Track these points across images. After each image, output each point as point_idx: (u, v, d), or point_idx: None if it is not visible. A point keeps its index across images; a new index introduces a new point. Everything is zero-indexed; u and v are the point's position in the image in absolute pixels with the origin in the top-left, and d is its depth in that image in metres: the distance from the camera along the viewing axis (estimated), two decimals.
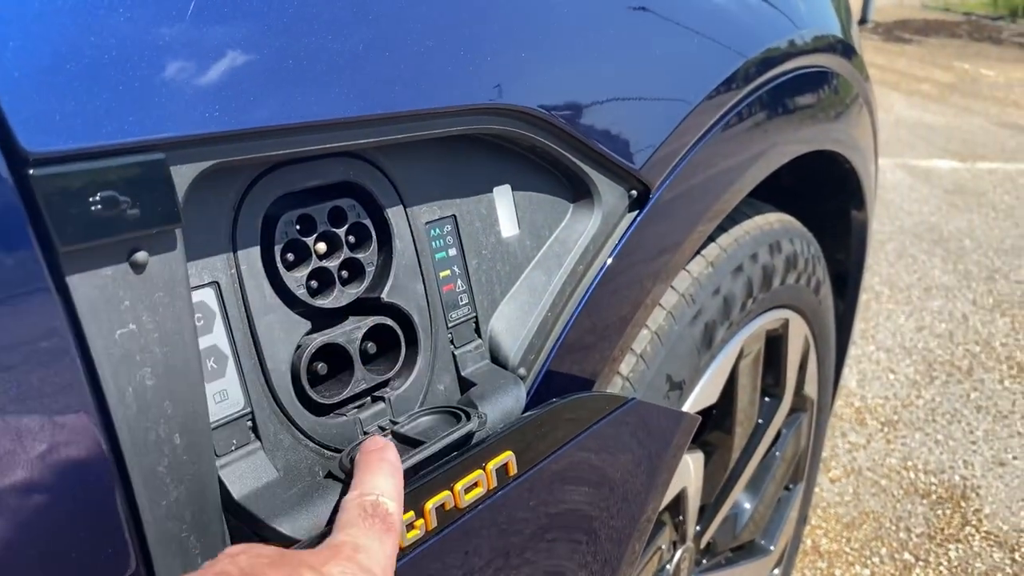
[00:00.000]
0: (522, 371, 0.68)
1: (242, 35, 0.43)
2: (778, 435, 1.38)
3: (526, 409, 0.64)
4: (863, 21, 11.83)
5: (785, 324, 1.23)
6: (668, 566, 1.15)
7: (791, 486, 1.54)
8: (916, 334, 3.00)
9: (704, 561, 1.33)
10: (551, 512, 0.61)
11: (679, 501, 1.12)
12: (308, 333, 0.55)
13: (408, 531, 0.50)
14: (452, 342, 0.64)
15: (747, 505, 1.36)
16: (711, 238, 1.01)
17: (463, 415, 0.58)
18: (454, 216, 0.64)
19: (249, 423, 0.51)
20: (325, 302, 0.55)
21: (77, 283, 0.38)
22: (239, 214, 0.50)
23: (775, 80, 0.94)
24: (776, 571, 1.56)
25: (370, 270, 0.58)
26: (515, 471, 0.57)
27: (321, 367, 0.56)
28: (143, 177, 0.39)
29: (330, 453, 0.56)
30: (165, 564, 0.44)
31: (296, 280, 0.53)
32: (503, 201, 0.68)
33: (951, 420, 2.46)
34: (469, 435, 0.57)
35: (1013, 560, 1.90)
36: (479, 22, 0.57)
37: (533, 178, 0.70)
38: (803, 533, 1.77)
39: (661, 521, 1.12)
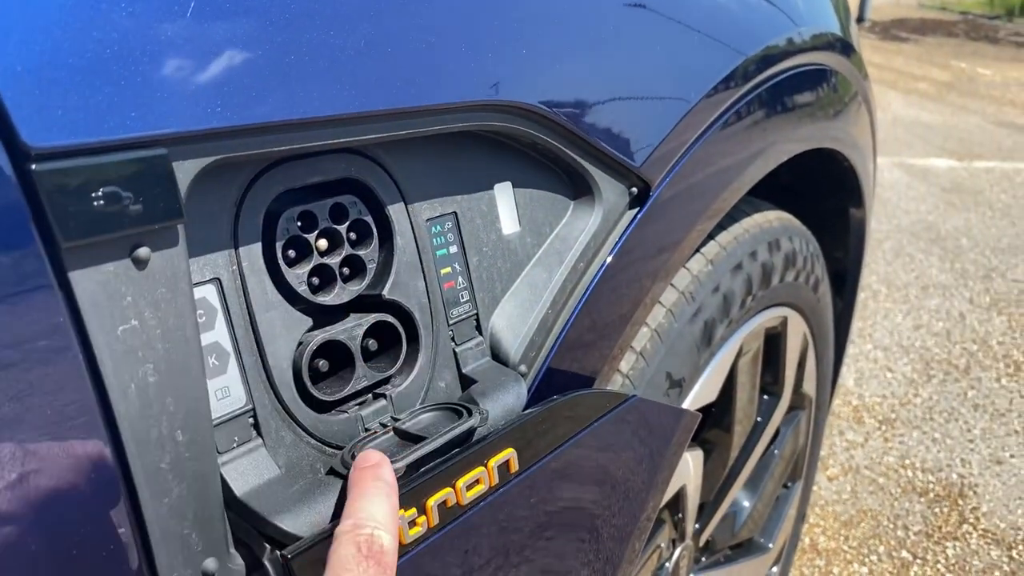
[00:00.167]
0: (523, 368, 0.68)
1: (244, 31, 0.43)
2: (777, 433, 1.39)
3: (527, 406, 0.64)
4: (860, 20, 11.85)
5: (784, 322, 1.23)
6: (667, 564, 1.15)
7: (789, 484, 1.54)
8: (913, 332, 3.00)
9: (703, 559, 1.33)
10: (552, 509, 0.61)
11: (678, 499, 1.12)
12: (309, 330, 0.54)
13: (410, 528, 0.50)
14: (453, 339, 0.64)
15: (746, 503, 1.37)
16: (711, 236, 1.01)
17: (464, 412, 0.58)
18: (455, 213, 0.64)
19: (251, 420, 0.51)
20: (326, 299, 0.55)
21: (79, 279, 0.38)
22: (241, 210, 0.49)
23: (774, 78, 0.94)
24: (774, 569, 1.56)
25: (371, 267, 0.58)
26: (516, 468, 0.57)
27: (322, 364, 0.56)
28: (145, 173, 0.39)
29: (331, 450, 0.56)
30: (167, 561, 0.44)
31: (297, 277, 0.53)
32: (504, 198, 0.68)
33: (949, 418, 2.47)
34: (470, 432, 0.57)
35: (1010, 558, 1.90)
36: (480, 19, 0.57)
37: (534, 175, 0.70)
38: (801, 531, 1.78)
39: (660, 519, 1.12)
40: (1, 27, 0.35)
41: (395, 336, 0.60)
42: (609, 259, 0.73)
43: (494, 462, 0.55)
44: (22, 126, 0.35)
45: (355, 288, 0.57)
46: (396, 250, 0.59)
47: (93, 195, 0.37)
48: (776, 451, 1.39)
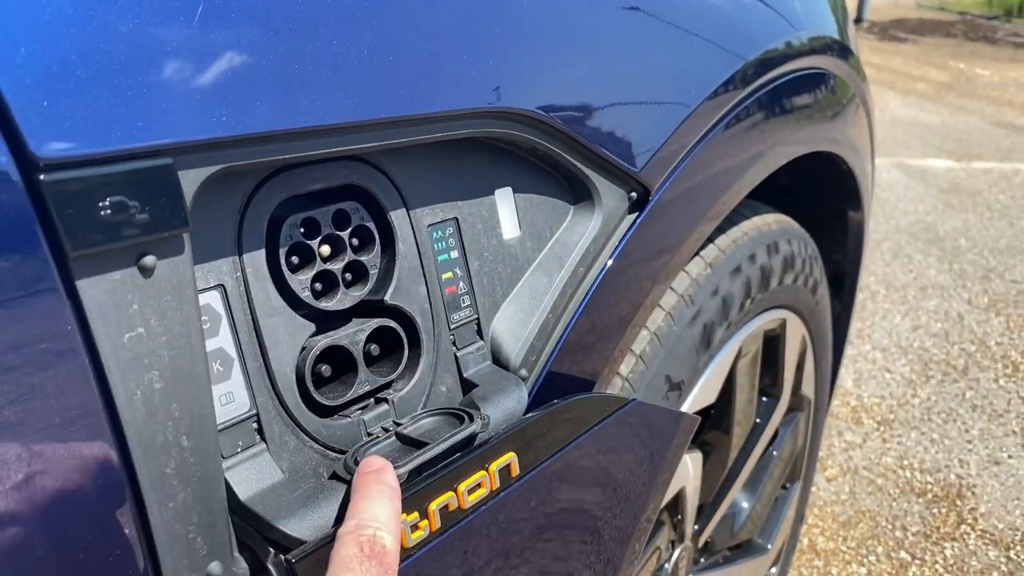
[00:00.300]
0: (523, 372, 0.68)
1: (248, 41, 0.44)
2: (775, 434, 1.39)
3: (528, 410, 0.65)
4: (859, 20, 11.86)
5: (783, 324, 1.23)
6: (667, 565, 1.16)
7: (788, 485, 1.55)
8: (912, 333, 3.01)
9: (702, 560, 1.33)
10: (553, 512, 0.61)
11: (678, 500, 1.12)
12: (312, 335, 0.55)
13: (412, 532, 0.50)
14: (454, 344, 0.65)
15: (745, 504, 1.37)
16: (710, 239, 1.02)
17: (466, 416, 0.59)
18: (456, 219, 0.64)
19: (255, 425, 0.52)
20: (329, 304, 0.56)
21: (86, 287, 0.39)
22: (244, 217, 0.50)
23: (773, 82, 0.94)
24: (773, 570, 1.57)
25: (373, 272, 0.59)
26: (517, 472, 0.57)
27: (325, 369, 0.56)
28: (152, 182, 0.40)
29: (334, 454, 0.56)
30: (172, 565, 0.45)
31: (300, 283, 0.54)
32: (504, 203, 0.68)
33: (947, 419, 2.48)
34: (472, 436, 0.58)
35: (1008, 558, 1.91)
36: (481, 26, 0.58)
37: (534, 180, 0.70)
38: (800, 532, 1.78)
39: (660, 520, 1.12)
40: (9, 39, 0.35)
41: (397, 341, 0.60)
42: (609, 263, 0.74)
43: (495, 466, 0.56)
44: (31, 137, 0.36)
45: (357, 293, 0.58)
46: (398, 256, 0.59)
47: (100, 205, 0.38)
48: (775, 452, 1.40)
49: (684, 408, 0.98)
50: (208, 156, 0.43)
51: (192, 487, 0.45)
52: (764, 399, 1.32)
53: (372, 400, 0.60)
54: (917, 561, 1.92)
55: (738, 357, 1.10)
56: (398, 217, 0.59)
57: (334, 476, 0.55)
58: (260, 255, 0.51)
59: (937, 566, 1.90)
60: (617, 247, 0.74)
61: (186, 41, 0.41)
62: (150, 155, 0.40)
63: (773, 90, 0.95)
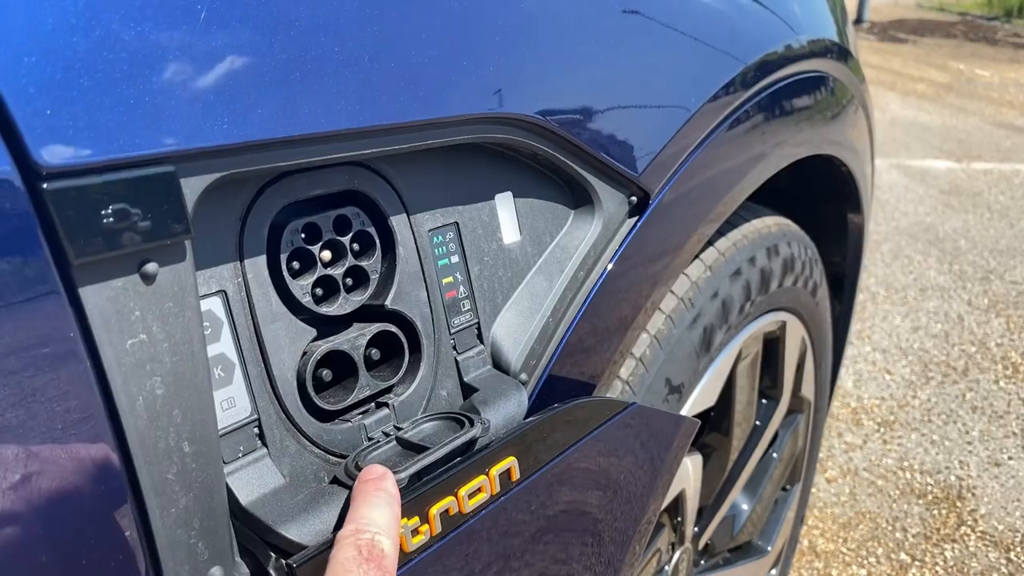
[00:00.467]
0: (524, 376, 0.69)
1: (249, 48, 0.44)
2: (775, 436, 1.39)
3: (528, 414, 0.65)
4: (859, 21, 11.87)
5: (782, 327, 1.24)
6: (667, 567, 1.16)
7: (788, 487, 1.55)
8: (912, 335, 3.01)
9: (702, 562, 1.33)
10: (553, 516, 0.62)
11: (678, 503, 1.12)
12: (313, 340, 0.55)
13: (413, 536, 0.50)
14: (455, 348, 0.65)
15: (745, 506, 1.37)
16: (709, 242, 1.02)
17: (466, 421, 0.59)
18: (456, 223, 0.64)
19: (256, 430, 0.52)
20: (330, 309, 0.56)
21: (89, 294, 0.39)
22: (246, 223, 0.50)
23: (773, 86, 0.94)
24: (773, 571, 1.57)
25: (374, 277, 0.59)
26: (517, 476, 0.58)
27: (326, 374, 0.57)
28: (154, 190, 0.40)
29: (335, 459, 0.56)
30: (174, 570, 0.45)
31: (302, 288, 0.54)
32: (505, 208, 0.68)
33: (947, 420, 2.48)
34: (472, 441, 0.58)
35: (1008, 560, 1.91)
36: (481, 33, 0.58)
37: (534, 185, 0.70)
38: (800, 533, 1.79)
39: (660, 522, 1.12)
40: (12, 48, 0.36)
41: (398, 345, 0.60)
42: (609, 267, 0.74)
43: (496, 471, 0.56)
44: (34, 145, 0.36)
45: (358, 298, 0.58)
46: (398, 260, 0.59)
47: (103, 212, 0.38)
48: (775, 454, 1.40)
49: (684, 411, 0.98)
50: (210, 163, 0.43)
51: (194, 492, 0.45)
52: (764, 401, 1.32)
53: (373, 404, 0.61)
54: (917, 563, 1.92)
55: (738, 360, 1.11)
56: (399, 222, 0.60)
57: (335, 480, 0.55)
58: (261, 261, 0.52)
59: (937, 568, 1.90)
60: (617, 251, 0.75)
61: (188, 49, 0.41)
62: (152, 163, 0.40)
63: (773, 94, 0.95)
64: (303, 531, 0.49)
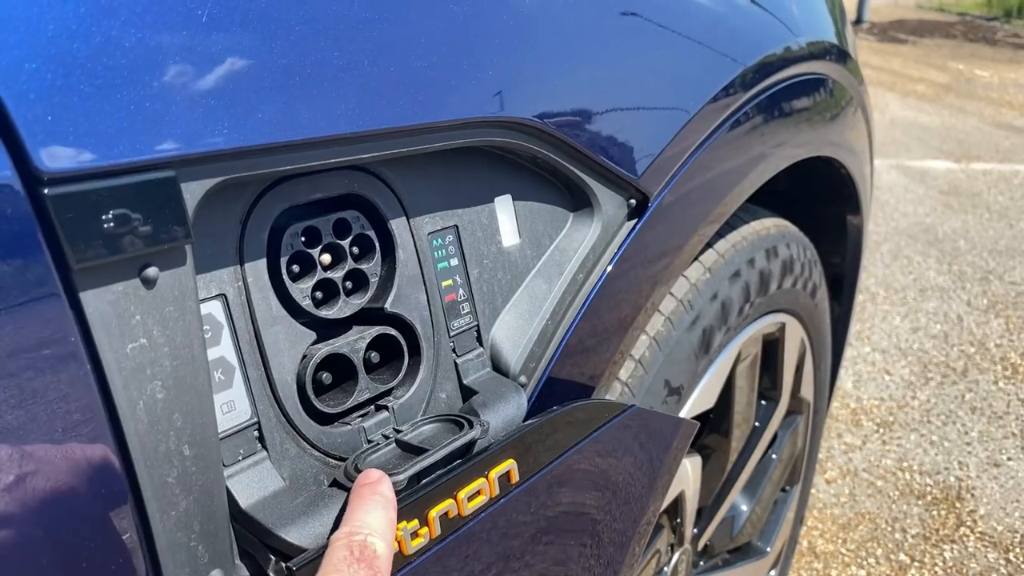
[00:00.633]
0: (523, 379, 0.69)
1: (249, 53, 0.44)
2: (775, 438, 1.40)
3: (527, 416, 0.65)
4: (859, 21, 11.87)
5: (782, 328, 1.24)
6: (666, 568, 1.16)
7: (787, 488, 1.55)
8: (911, 335, 3.02)
9: (701, 563, 1.34)
10: (553, 519, 0.62)
11: (677, 504, 1.13)
12: (313, 343, 0.55)
13: (412, 539, 0.51)
14: (454, 351, 0.65)
15: (744, 507, 1.38)
16: (708, 244, 1.02)
17: (466, 423, 0.59)
18: (456, 226, 0.64)
19: (256, 433, 0.52)
20: (330, 313, 0.56)
21: (90, 299, 0.39)
22: (246, 227, 0.50)
23: (771, 88, 0.95)
24: (773, 572, 1.57)
25: (374, 281, 0.59)
26: (517, 479, 0.58)
27: (326, 377, 0.57)
28: (154, 195, 0.40)
29: (335, 462, 0.56)
30: (174, 573, 0.45)
31: (301, 291, 0.54)
32: (504, 211, 0.69)
33: (946, 421, 2.48)
34: (471, 443, 0.58)
35: (1007, 560, 1.91)
36: (480, 37, 0.58)
37: (534, 188, 0.71)
38: (799, 534, 1.79)
39: (659, 524, 1.13)
40: (13, 54, 0.36)
41: (397, 348, 0.61)
42: (609, 269, 0.74)
43: (495, 473, 0.56)
44: (34, 150, 0.36)
45: (358, 302, 0.58)
46: (398, 264, 0.60)
47: (104, 218, 0.38)
48: (774, 455, 1.40)
49: (683, 412, 0.98)
50: (210, 168, 0.43)
51: (194, 496, 0.45)
52: (763, 402, 1.32)
53: (372, 407, 0.61)
54: (916, 563, 1.93)
55: (737, 361, 1.11)
56: (398, 225, 0.60)
57: (335, 483, 0.55)
58: (261, 264, 0.52)
59: (936, 568, 1.91)
60: (616, 254, 0.75)
61: (188, 54, 0.41)
62: (152, 168, 0.40)
63: (772, 96, 0.95)
64: (303, 534, 0.49)
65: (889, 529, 2.04)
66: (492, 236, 0.68)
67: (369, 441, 0.59)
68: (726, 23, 0.89)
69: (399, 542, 0.50)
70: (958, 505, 2.11)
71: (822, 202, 1.44)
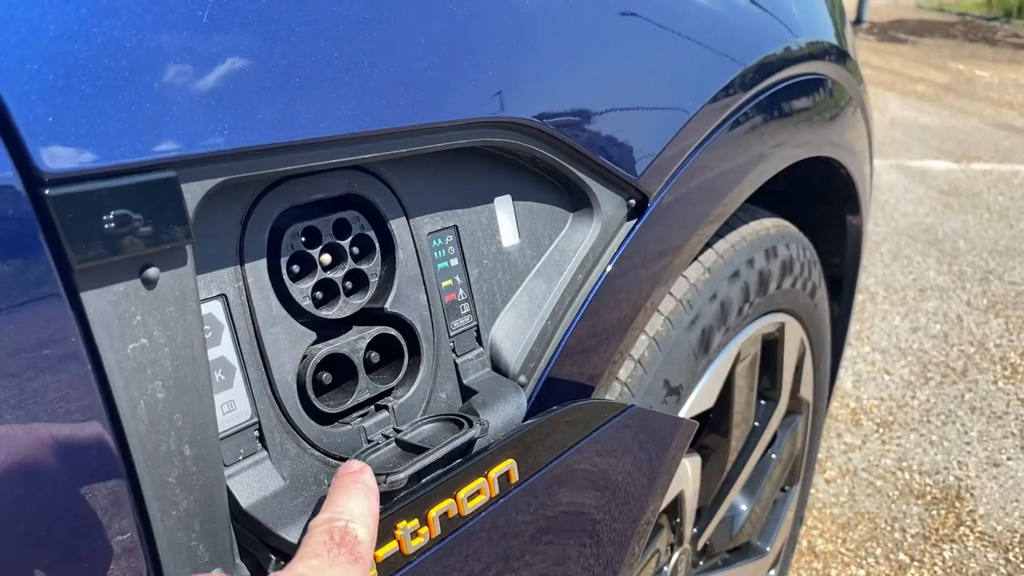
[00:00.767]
0: (522, 379, 0.69)
1: (249, 54, 0.44)
2: (774, 437, 1.40)
3: (527, 416, 0.65)
4: (859, 21, 11.87)
5: (781, 328, 1.24)
6: (666, 568, 1.16)
7: (787, 488, 1.55)
8: (911, 335, 3.02)
9: (701, 562, 1.34)
10: (552, 518, 0.62)
11: (677, 504, 1.13)
12: (313, 343, 0.55)
13: (412, 539, 0.51)
14: (454, 351, 0.65)
15: (744, 507, 1.38)
16: (708, 244, 1.02)
17: (465, 423, 0.59)
18: (456, 226, 0.65)
19: (256, 433, 0.52)
20: (330, 313, 0.56)
21: (91, 299, 0.39)
22: (246, 228, 0.50)
23: (771, 89, 0.95)
24: (772, 572, 1.57)
25: (374, 281, 0.59)
26: (516, 479, 0.58)
27: (326, 377, 0.57)
28: (155, 195, 0.40)
29: (335, 461, 0.57)
30: (175, 572, 0.45)
31: (302, 292, 0.54)
32: (504, 211, 0.69)
33: (946, 421, 2.48)
34: (471, 442, 0.58)
35: (1007, 560, 1.92)
36: (480, 38, 0.58)
37: (533, 188, 0.71)
38: (799, 534, 1.79)
39: (659, 523, 1.13)
40: (15, 55, 0.36)
41: (397, 348, 0.61)
42: (608, 269, 0.74)
43: (494, 473, 0.57)
44: (36, 151, 0.36)
45: (358, 302, 0.58)
46: (398, 264, 0.60)
47: (104, 218, 0.38)
48: (773, 455, 1.40)
49: (683, 412, 0.98)
50: (211, 169, 0.43)
51: (194, 495, 0.45)
52: (763, 402, 1.32)
53: (372, 407, 0.61)
54: (916, 563, 1.93)
55: (736, 361, 1.11)
56: (398, 225, 0.60)
57: None
58: (261, 264, 0.52)
59: (936, 568, 1.91)
60: (616, 254, 0.75)
61: (188, 55, 0.42)
62: (153, 169, 0.40)
63: (771, 96, 0.95)
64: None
65: (889, 529, 2.04)
66: (492, 236, 0.68)
67: (369, 441, 0.59)
68: (726, 23, 0.89)
69: (399, 542, 0.50)
70: (957, 505, 2.12)
71: (822, 202, 1.44)
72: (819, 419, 1.58)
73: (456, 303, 0.65)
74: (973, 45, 10.34)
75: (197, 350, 0.44)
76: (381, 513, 0.50)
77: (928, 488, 2.18)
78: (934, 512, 2.09)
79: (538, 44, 0.64)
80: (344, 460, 0.57)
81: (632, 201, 0.76)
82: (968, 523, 2.05)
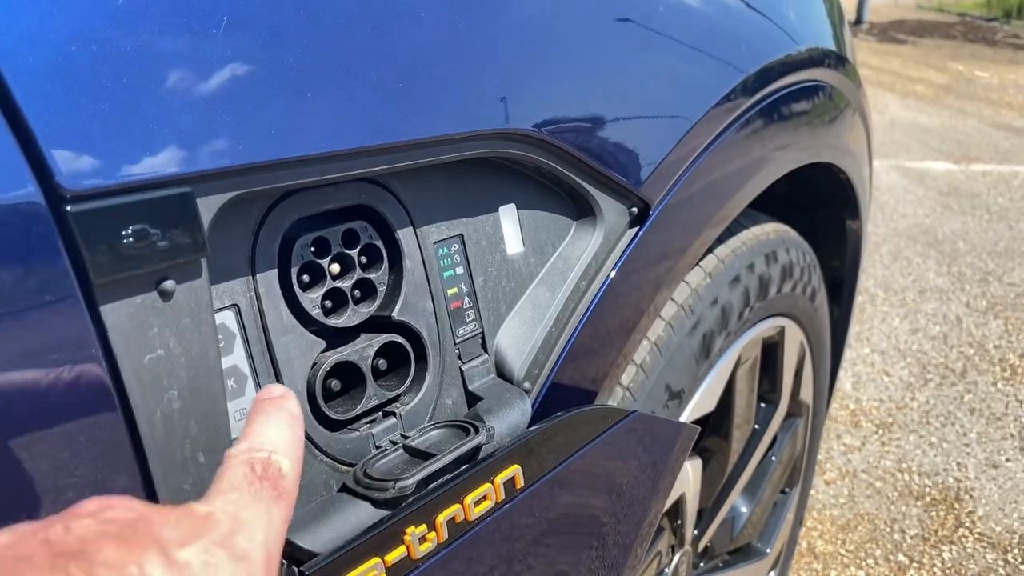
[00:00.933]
0: (527, 385, 0.70)
1: (263, 72, 0.45)
2: (774, 440, 1.41)
3: (531, 422, 0.66)
4: (858, 22, 11.88)
5: (781, 332, 1.25)
6: (667, 569, 1.17)
7: (787, 489, 1.56)
8: (910, 336, 3.03)
9: (702, 564, 1.35)
10: (556, 523, 0.63)
11: (678, 506, 1.14)
12: (322, 351, 0.57)
13: (420, 544, 0.52)
14: (459, 357, 0.66)
15: (744, 509, 1.39)
16: (709, 249, 1.03)
17: (471, 429, 0.60)
18: (461, 235, 0.66)
19: None
20: (339, 321, 0.57)
21: (109, 312, 0.40)
22: (258, 239, 0.52)
23: (771, 96, 0.96)
24: (772, 573, 1.59)
25: (381, 289, 0.60)
26: (521, 484, 0.59)
27: (335, 384, 0.58)
28: (172, 210, 0.41)
29: (344, 467, 0.58)
30: None
31: (311, 301, 0.55)
32: (508, 220, 0.70)
33: (945, 422, 2.49)
34: (477, 448, 0.59)
35: (1006, 561, 1.93)
36: (487, 52, 0.59)
37: (537, 197, 0.72)
38: (799, 535, 1.80)
39: (660, 526, 1.14)
40: (38, 77, 0.37)
41: (404, 356, 0.62)
42: (612, 275, 0.76)
43: (500, 478, 0.58)
44: (58, 169, 0.37)
45: (366, 310, 0.59)
46: (405, 273, 0.61)
47: (123, 233, 0.39)
48: (774, 457, 1.41)
49: (684, 416, 0.99)
50: (225, 183, 0.44)
51: None
52: (763, 405, 1.33)
53: (380, 414, 0.62)
54: (915, 564, 1.94)
55: (737, 365, 1.12)
56: (405, 235, 0.61)
57: (344, 489, 0.56)
58: (272, 275, 0.53)
59: (935, 569, 1.92)
60: (618, 261, 0.76)
61: (204, 73, 0.43)
62: (170, 184, 0.41)
63: (771, 104, 0.96)
64: (315, 539, 0.50)
65: (888, 530, 2.05)
66: (496, 245, 0.69)
67: (377, 447, 0.60)
68: (727, 31, 0.90)
69: (407, 547, 0.51)
70: (957, 506, 2.13)
71: (821, 206, 1.45)
72: (819, 421, 1.59)
73: (462, 310, 0.66)
74: (973, 46, 10.35)
75: (212, 360, 0.45)
76: (391, 519, 0.51)
77: (927, 489, 2.20)
78: (933, 513, 2.10)
79: (543, 57, 0.65)
80: (353, 466, 0.58)
81: (634, 209, 0.77)
82: (967, 524, 2.06)
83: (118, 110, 0.39)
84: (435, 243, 0.64)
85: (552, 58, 0.66)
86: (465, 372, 0.67)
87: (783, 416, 1.38)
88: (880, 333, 3.06)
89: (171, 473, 0.44)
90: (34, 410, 0.38)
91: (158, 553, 0.30)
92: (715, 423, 1.21)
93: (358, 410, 0.59)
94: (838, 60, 1.22)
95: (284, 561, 0.51)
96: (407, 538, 0.51)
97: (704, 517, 1.27)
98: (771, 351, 1.27)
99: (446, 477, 0.57)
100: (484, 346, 0.69)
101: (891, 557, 1.96)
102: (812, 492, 2.16)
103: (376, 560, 0.49)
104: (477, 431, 0.60)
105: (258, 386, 0.52)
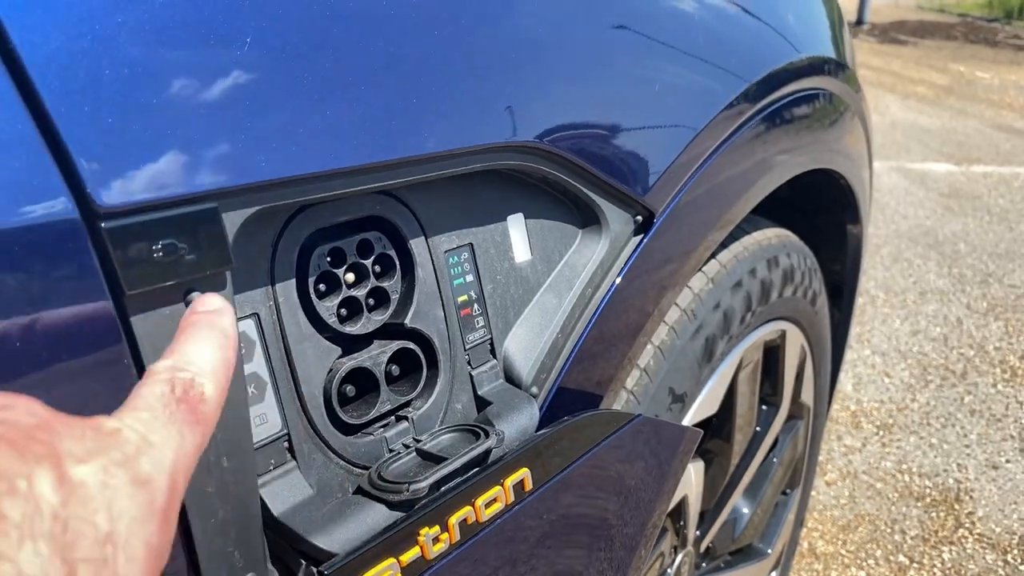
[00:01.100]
0: (535, 389, 0.72)
1: (285, 92, 0.47)
2: (776, 442, 1.42)
3: (539, 425, 0.68)
4: (859, 22, 11.89)
5: (782, 335, 1.27)
6: (669, 570, 1.19)
7: (788, 491, 1.58)
8: (911, 338, 3.04)
9: (704, 564, 1.37)
10: (563, 525, 0.65)
11: (680, 507, 1.15)
12: (338, 358, 0.58)
13: (434, 544, 0.54)
14: (469, 363, 0.68)
15: (745, 510, 1.40)
16: (711, 255, 1.05)
17: (482, 433, 0.62)
18: (471, 244, 0.67)
19: (286, 444, 0.55)
20: (354, 329, 0.59)
21: (139, 323, 0.42)
22: (277, 250, 0.53)
23: (773, 105, 0.97)
24: (773, 574, 1.60)
25: (395, 297, 0.62)
26: (530, 487, 0.61)
27: (349, 389, 0.60)
28: (199, 225, 0.43)
29: (359, 470, 0.59)
30: None
31: (328, 309, 0.57)
32: (516, 229, 0.72)
33: (945, 424, 2.51)
34: (488, 451, 0.61)
35: (1005, 562, 1.94)
36: (498, 68, 0.61)
37: (544, 207, 0.74)
38: (800, 536, 1.82)
39: (663, 527, 1.15)
40: (74, 99, 0.39)
41: (416, 361, 0.64)
42: (617, 282, 0.77)
43: (510, 481, 0.59)
44: (93, 187, 0.39)
45: (380, 318, 0.61)
46: (417, 281, 0.63)
47: (154, 248, 0.41)
48: (775, 459, 1.43)
49: (687, 419, 1.01)
50: (249, 198, 0.46)
51: (231, 504, 0.48)
52: (764, 408, 1.35)
53: (393, 418, 0.64)
54: (915, 565, 1.95)
55: (739, 368, 1.14)
56: (417, 245, 0.63)
57: (359, 491, 0.58)
58: (291, 284, 0.55)
59: (935, 570, 1.94)
60: (623, 268, 0.78)
61: (231, 95, 0.44)
62: (197, 200, 0.43)
63: (772, 112, 0.98)
64: (332, 540, 0.52)
65: (888, 531, 2.07)
66: (505, 253, 0.71)
67: (391, 450, 0.62)
68: (729, 43, 0.91)
69: (421, 548, 0.53)
70: (957, 507, 2.14)
71: (822, 211, 1.47)
72: (820, 423, 1.61)
73: (471, 317, 0.68)
74: (974, 46, 10.36)
75: (235, 368, 0.47)
76: (405, 520, 0.53)
77: (928, 490, 2.21)
78: (933, 514, 2.12)
79: (549, 72, 0.66)
80: (367, 469, 0.60)
81: (639, 217, 0.79)
82: (967, 525, 2.07)
83: (148, 129, 0.41)
84: (446, 252, 0.65)
85: (558, 72, 0.68)
86: (475, 377, 0.69)
87: (784, 418, 1.40)
88: (881, 335, 3.07)
89: (197, 476, 0.46)
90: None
91: (53, 467, 0.27)
92: (717, 425, 1.23)
93: (372, 414, 0.61)
94: (838, 66, 1.24)
95: (303, 561, 0.52)
96: (421, 539, 0.53)
97: (706, 518, 1.29)
98: (772, 354, 1.29)
99: (458, 480, 0.58)
100: (493, 352, 0.71)
101: (891, 558, 1.98)
102: (813, 493, 2.18)
103: (391, 560, 0.51)
104: (487, 435, 0.61)
105: (277, 393, 0.54)
